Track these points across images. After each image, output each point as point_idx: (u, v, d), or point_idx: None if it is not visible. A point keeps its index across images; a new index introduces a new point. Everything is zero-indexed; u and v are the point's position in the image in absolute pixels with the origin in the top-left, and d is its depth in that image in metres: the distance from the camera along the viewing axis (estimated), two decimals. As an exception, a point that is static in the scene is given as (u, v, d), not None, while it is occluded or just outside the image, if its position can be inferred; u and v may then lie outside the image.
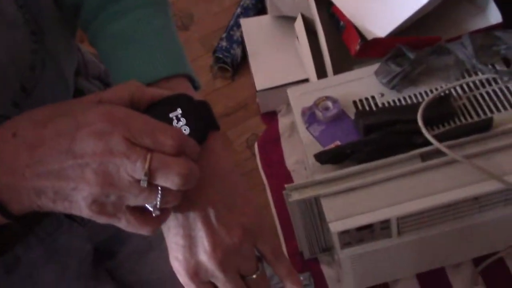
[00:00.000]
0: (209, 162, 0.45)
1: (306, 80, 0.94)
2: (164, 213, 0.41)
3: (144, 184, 0.37)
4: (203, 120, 0.45)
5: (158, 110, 0.43)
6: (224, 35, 1.08)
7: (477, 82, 0.68)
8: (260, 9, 1.11)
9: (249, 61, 1.02)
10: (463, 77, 0.68)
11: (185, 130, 0.43)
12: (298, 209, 0.65)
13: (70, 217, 0.60)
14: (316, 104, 0.70)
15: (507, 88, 0.66)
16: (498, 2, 0.76)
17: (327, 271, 0.78)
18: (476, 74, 0.68)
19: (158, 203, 0.39)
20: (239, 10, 1.13)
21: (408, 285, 0.74)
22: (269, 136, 0.96)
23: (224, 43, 1.07)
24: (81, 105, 0.41)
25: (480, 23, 0.78)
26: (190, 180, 0.39)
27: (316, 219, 0.69)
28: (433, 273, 0.74)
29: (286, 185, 0.62)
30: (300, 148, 0.90)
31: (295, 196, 0.62)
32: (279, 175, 0.91)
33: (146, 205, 0.40)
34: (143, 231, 0.40)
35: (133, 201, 0.38)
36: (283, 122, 0.96)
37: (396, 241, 0.64)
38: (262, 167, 0.93)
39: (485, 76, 0.68)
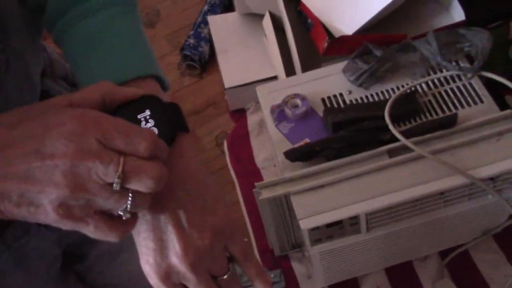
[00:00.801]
0: (178, 164, 0.44)
1: (274, 78, 0.94)
2: (133, 218, 0.41)
3: (117, 187, 0.37)
4: (171, 122, 0.44)
5: (126, 111, 0.42)
6: (191, 33, 1.08)
7: (442, 79, 0.69)
8: (227, 6, 1.11)
9: (217, 58, 1.02)
10: (429, 74, 0.70)
11: (153, 131, 0.42)
12: (268, 206, 0.65)
13: None
14: (285, 101, 0.70)
15: (471, 84, 0.68)
16: (461, 1, 0.78)
17: (298, 268, 0.78)
18: (441, 71, 0.70)
19: (129, 206, 0.38)
20: (206, 7, 1.12)
21: (377, 279, 0.76)
22: (238, 134, 0.96)
23: (191, 41, 1.06)
24: (51, 108, 0.39)
25: (444, 21, 0.79)
26: (162, 183, 0.38)
27: (286, 216, 0.69)
28: (401, 267, 0.75)
29: (256, 183, 0.62)
30: (269, 145, 0.90)
31: (265, 194, 0.62)
32: (249, 172, 0.91)
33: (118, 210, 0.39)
34: (111, 236, 0.40)
35: (102, 205, 0.38)
36: (252, 120, 0.96)
37: (365, 237, 0.64)
38: (232, 164, 0.93)
39: (450, 73, 0.69)
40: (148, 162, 0.38)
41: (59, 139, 0.36)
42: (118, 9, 0.49)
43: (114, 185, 0.36)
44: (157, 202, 0.42)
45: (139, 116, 0.43)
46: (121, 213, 0.39)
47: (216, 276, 0.45)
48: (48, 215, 0.37)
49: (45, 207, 0.37)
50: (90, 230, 0.39)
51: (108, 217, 0.39)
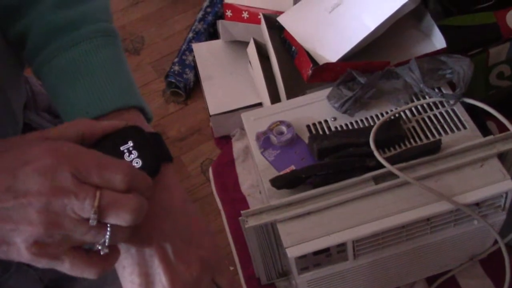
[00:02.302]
0: (163, 196, 0.43)
1: (259, 105, 0.94)
2: (113, 253, 0.39)
3: (93, 223, 0.35)
4: (155, 152, 0.43)
5: (108, 143, 0.42)
6: (176, 60, 1.08)
7: (425, 105, 0.70)
8: (212, 34, 1.12)
9: (202, 85, 1.02)
10: (412, 101, 0.70)
11: (137, 163, 0.42)
12: (255, 234, 0.65)
13: None
14: (270, 128, 0.70)
15: (453, 111, 0.69)
16: (442, 29, 0.80)
17: (285, 296, 0.77)
18: (424, 97, 0.71)
19: (107, 241, 0.37)
20: (191, 34, 1.12)
21: (365, 307, 0.75)
22: (223, 161, 0.96)
23: (176, 68, 1.06)
24: (26, 142, 0.38)
25: (426, 48, 0.81)
26: (141, 216, 0.37)
27: (273, 244, 0.68)
28: (388, 294, 0.75)
29: (242, 211, 0.61)
30: (254, 172, 0.89)
31: (252, 222, 0.61)
32: (234, 200, 0.90)
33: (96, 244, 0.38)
34: (89, 273, 0.38)
35: (79, 241, 0.36)
36: (237, 147, 0.96)
37: (352, 264, 0.64)
38: (217, 192, 0.92)
39: (432, 99, 0.70)
40: (125, 195, 0.36)
41: (33, 176, 0.35)
42: (100, 41, 0.49)
43: (90, 220, 0.35)
44: (142, 235, 0.41)
45: (121, 148, 0.42)
46: (99, 248, 0.37)
47: None
48: (21, 254, 0.36)
49: (18, 246, 0.35)
50: (66, 267, 0.37)
51: (85, 253, 0.38)
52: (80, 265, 0.37)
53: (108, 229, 0.37)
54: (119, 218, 0.36)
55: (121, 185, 0.37)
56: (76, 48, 0.48)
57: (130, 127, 0.44)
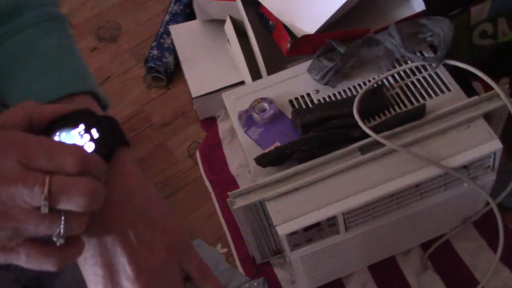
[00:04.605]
0: (120, 180, 0.41)
1: (241, 83, 0.92)
2: (75, 244, 0.37)
3: (45, 210, 0.33)
4: (109, 136, 0.41)
5: (57, 128, 0.40)
6: (154, 44, 1.05)
7: (408, 70, 0.69)
8: (188, 15, 1.09)
9: (182, 68, 1.00)
10: (394, 67, 0.69)
11: (89, 147, 0.40)
12: (244, 215, 0.64)
13: None
14: (252, 106, 0.68)
15: (436, 74, 0.68)
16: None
17: (281, 274, 0.77)
18: (406, 62, 0.69)
19: (62, 230, 0.35)
20: (167, 17, 1.10)
21: (361, 278, 0.75)
22: (210, 143, 0.95)
23: (155, 52, 1.04)
24: None
25: (405, 12, 0.79)
26: (96, 200, 0.35)
27: (264, 223, 0.67)
28: (384, 263, 0.75)
29: (229, 192, 0.61)
30: (242, 152, 0.88)
31: (240, 203, 0.60)
32: (224, 181, 0.89)
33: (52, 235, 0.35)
34: (48, 265, 0.36)
35: (33, 232, 0.34)
36: (222, 128, 0.95)
37: (344, 237, 0.63)
38: (206, 175, 0.91)
39: (414, 64, 0.68)
40: (77, 178, 0.34)
41: None
42: (45, 27, 0.47)
43: (41, 208, 0.33)
44: (101, 223, 0.39)
45: (72, 132, 0.40)
46: (55, 239, 0.35)
47: None
48: None
49: None
50: (23, 260, 0.35)
51: (42, 245, 0.35)
52: (37, 258, 0.35)
53: (62, 217, 0.34)
54: (72, 203, 0.34)
55: (73, 168, 0.34)
56: (21, 35, 0.46)
57: (81, 110, 0.41)
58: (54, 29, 0.47)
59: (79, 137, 0.40)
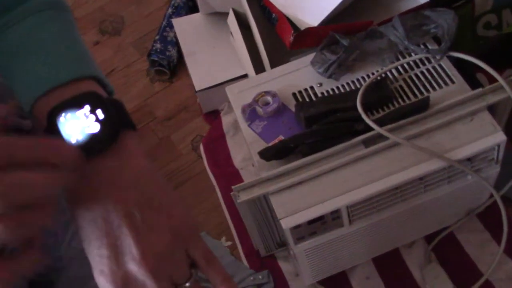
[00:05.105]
0: (125, 161, 0.41)
1: (245, 76, 0.92)
2: (25, 254, 0.34)
3: None
4: (114, 117, 0.41)
5: (63, 109, 0.40)
6: (157, 37, 1.05)
7: (411, 62, 0.68)
8: (191, 8, 1.09)
9: (185, 61, 1.00)
10: (398, 59, 0.69)
11: (95, 127, 0.40)
12: (248, 209, 0.64)
13: None
14: (255, 100, 0.68)
15: (440, 66, 0.67)
16: (423, -18, 0.77)
17: (285, 267, 0.77)
18: (410, 55, 0.69)
19: None
20: (170, 10, 1.09)
21: (365, 271, 0.75)
22: (213, 136, 0.95)
23: (158, 45, 1.04)
24: None
25: (409, 4, 0.78)
26: (19, 195, 0.32)
27: (268, 216, 0.68)
28: (388, 255, 0.75)
29: (233, 186, 0.61)
30: (246, 145, 0.88)
31: (243, 197, 0.60)
32: (228, 174, 0.89)
33: None
34: None
35: None
36: (226, 121, 0.95)
37: (348, 230, 0.63)
38: (210, 168, 0.91)
39: (418, 56, 0.68)
40: None
41: None
42: (46, 15, 0.47)
43: None
44: (108, 204, 0.39)
45: (77, 113, 0.40)
46: None
47: (177, 284, 0.41)
48: None
49: None
50: None
51: None
52: None
53: None
54: None
55: None
56: (22, 24, 0.46)
57: (86, 92, 0.42)
58: (57, 16, 0.47)
59: (84, 118, 0.40)
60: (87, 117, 0.40)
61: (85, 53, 0.48)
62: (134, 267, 0.39)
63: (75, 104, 0.40)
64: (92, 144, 0.40)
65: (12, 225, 0.32)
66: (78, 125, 0.40)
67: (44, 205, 0.34)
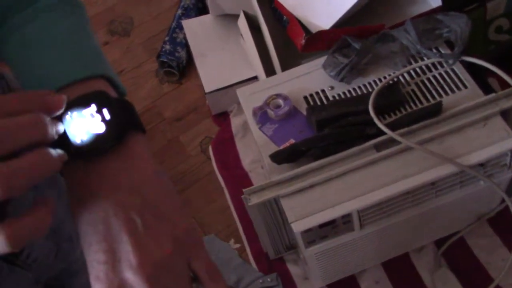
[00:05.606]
0: (131, 165, 0.40)
1: (255, 78, 0.92)
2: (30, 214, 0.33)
3: None
4: (121, 117, 0.40)
5: (69, 108, 0.39)
6: (167, 38, 1.05)
7: (424, 67, 0.68)
8: (201, 9, 1.09)
9: (195, 63, 1.00)
10: (410, 63, 0.69)
11: (100, 127, 0.39)
12: (258, 212, 0.64)
13: (10, 262, 0.53)
14: (266, 103, 0.68)
15: (453, 70, 0.67)
16: (436, -14, 0.77)
17: (294, 270, 0.77)
18: (422, 59, 0.69)
19: None
20: (179, 11, 1.10)
21: (374, 275, 0.75)
22: (222, 138, 0.95)
23: (167, 47, 1.04)
24: None
25: (421, 8, 0.78)
26: (9, 138, 0.32)
27: (278, 219, 0.67)
28: (398, 260, 0.74)
29: (244, 189, 0.61)
30: (255, 147, 0.88)
31: (254, 200, 0.60)
32: (237, 176, 0.89)
33: None
34: None
35: None
36: (235, 123, 0.95)
37: (359, 234, 0.63)
38: (219, 170, 0.91)
39: (431, 60, 0.68)
40: None
41: None
42: (60, 13, 0.46)
43: None
44: (109, 208, 0.38)
45: (84, 112, 0.39)
46: None
47: None
48: None
49: None
50: None
51: None
52: None
53: None
54: None
55: None
56: (35, 22, 0.45)
57: (94, 91, 0.41)
58: (70, 13, 0.47)
59: (90, 117, 0.39)
60: (93, 116, 0.39)
61: (97, 51, 0.47)
62: (130, 275, 0.37)
63: (82, 103, 0.40)
64: (96, 145, 0.39)
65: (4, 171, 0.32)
66: (84, 124, 0.39)
67: (35, 150, 0.33)
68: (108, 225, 0.38)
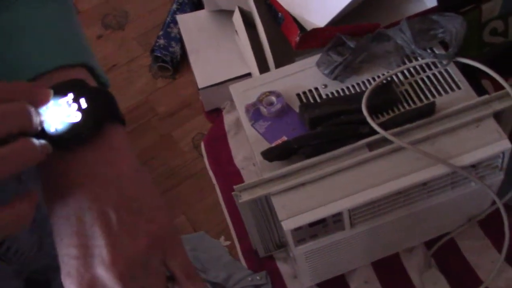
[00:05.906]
0: (108, 158, 0.39)
1: (248, 75, 0.92)
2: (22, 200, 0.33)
3: None
4: (98, 107, 0.39)
5: None
6: (161, 33, 1.05)
7: (418, 67, 0.68)
8: (196, 4, 1.08)
9: (188, 58, 0.99)
10: (404, 63, 0.68)
11: (76, 116, 0.38)
12: (249, 209, 0.64)
13: None
14: (259, 100, 0.68)
15: (447, 71, 0.67)
16: (432, -14, 0.77)
17: (283, 268, 0.77)
18: (416, 59, 0.68)
19: None
20: (174, 6, 1.09)
21: (364, 275, 0.74)
22: (215, 134, 0.94)
23: (161, 41, 1.03)
24: None
25: (417, 8, 0.78)
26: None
27: (268, 217, 0.67)
28: (387, 260, 0.74)
29: (235, 186, 0.60)
30: (247, 144, 0.88)
31: (245, 197, 0.60)
32: (228, 173, 0.89)
33: None
34: None
35: None
36: (228, 119, 0.94)
37: (349, 233, 0.63)
38: (210, 166, 0.91)
39: (425, 60, 0.68)
40: None
41: None
42: (40, 1, 0.45)
43: None
44: (82, 201, 0.36)
45: (60, 101, 0.38)
46: None
47: None
48: None
49: None
50: None
51: None
52: None
53: None
54: None
55: None
56: (16, 8, 0.44)
57: (72, 80, 0.40)
58: (51, 0, 0.45)
59: (67, 106, 0.38)
60: (69, 105, 0.38)
61: (79, 39, 0.46)
62: (102, 272, 0.36)
63: (58, 91, 0.39)
64: (71, 134, 0.38)
65: None
66: (60, 113, 0.38)
67: (19, 139, 0.33)
68: (81, 219, 0.37)
